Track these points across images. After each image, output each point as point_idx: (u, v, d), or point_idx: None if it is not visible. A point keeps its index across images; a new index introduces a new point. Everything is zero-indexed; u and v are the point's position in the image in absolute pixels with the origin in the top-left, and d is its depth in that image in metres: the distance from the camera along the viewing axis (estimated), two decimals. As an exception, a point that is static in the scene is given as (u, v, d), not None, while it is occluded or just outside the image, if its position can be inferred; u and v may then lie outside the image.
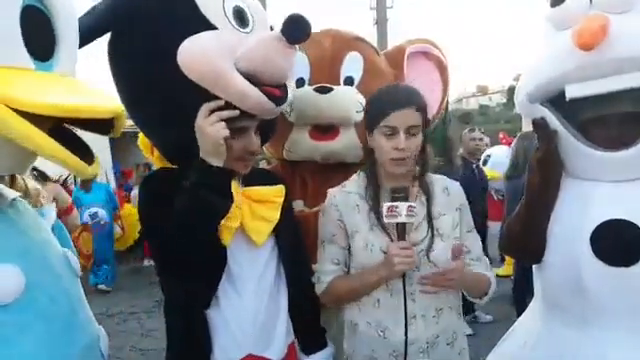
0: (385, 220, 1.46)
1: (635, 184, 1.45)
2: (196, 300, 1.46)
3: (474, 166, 4.92)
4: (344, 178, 1.91)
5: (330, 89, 1.88)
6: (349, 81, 1.97)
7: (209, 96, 1.40)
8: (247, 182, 1.56)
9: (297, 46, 1.49)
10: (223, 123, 1.36)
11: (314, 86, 1.91)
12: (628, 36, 1.34)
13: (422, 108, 1.50)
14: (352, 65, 1.98)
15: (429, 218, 1.53)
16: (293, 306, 1.58)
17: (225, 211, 1.39)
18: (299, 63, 2.00)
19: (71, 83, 1.08)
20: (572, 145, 1.49)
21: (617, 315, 1.46)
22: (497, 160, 5.99)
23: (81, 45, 1.30)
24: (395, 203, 1.43)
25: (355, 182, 1.61)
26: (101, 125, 1.05)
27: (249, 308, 1.48)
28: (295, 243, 1.63)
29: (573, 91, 1.44)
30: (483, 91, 57.19)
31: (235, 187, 1.46)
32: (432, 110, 2.13)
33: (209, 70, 1.39)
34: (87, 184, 6.65)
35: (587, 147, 1.46)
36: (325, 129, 1.95)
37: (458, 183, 1.64)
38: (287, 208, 1.63)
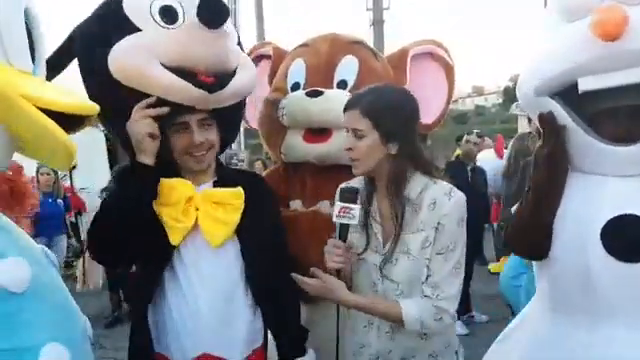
0: (334, 219, 1.48)
1: None
2: (140, 295, 1.56)
3: (469, 168, 4.90)
4: (342, 179, 1.93)
5: (320, 93, 1.89)
6: (342, 84, 1.99)
7: (140, 96, 1.48)
8: (221, 183, 1.59)
9: (225, 29, 1.47)
10: (150, 120, 1.45)
11: (305, 90, 1.93)
12: None
13: (372, 115, 1.45)
14: (346, 69, 2.01)
15: (396, 233, 1.48)
16: (263, 313, 1.60)
17: (147, 214, 1.48)
18: (297, 69, 2.08)
19: (54, 86, 1.24)
20: (582, 139, 1.45)
21: (628, 313, 1.43)
22: (483, 164, 5.98)
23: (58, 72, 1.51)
24: (350, 205, 1.46)
25: (359, 180, 1.61)
26: (75, 123, 1.17)
27: (202, 307, 1.50)
28: (265, 246, 1.60)
29: (587, 83, 1.39)
30: (479, 92, 57.21)
31: (191, 187, 1.54)
32: (435, 111, 2.16)
33: (132, 70, 1.46)
34: None
35: (598, 141, 1.42)
36: (318, 132, 1.96)
37: (458, 197, 1.47)
38: (264, 210, 1.64)
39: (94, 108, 1.15)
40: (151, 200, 1.49)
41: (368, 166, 1.49)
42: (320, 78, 1.99)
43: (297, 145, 2.01)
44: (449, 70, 2.20)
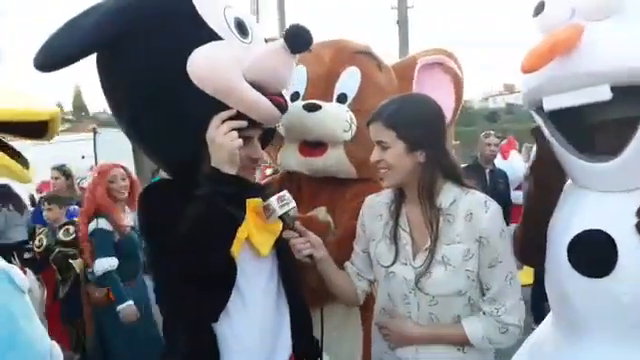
0: (278, 214, 1.48)
1: (623, 195, 1.40)
2: (205, 314, 1.44)
3: (487, 171, 4.76)
4: (338, 188, 1.97)
5: (318, 107, 1.88)
6: (342, 98, 1.98)
7: (218, 107, 1.41)
8: (267, 190, 1.61)
9: (297, 56, 1.52)
10: (236, 132, 1.39)
11: (303, 102, 1.93)
12: (602, 48, 1.29)
13: (394, 126, 1.46)
14: (348, 81, 1.99)
15: (431, 243, 1.46)
16: (293, 319, 1.58)
17: (239, 222, 1.40)
18: (297, 76, 2.04)
19: (5, 90, 1.13)
20: (562, 154, 1.47)
21: (602, 326, 1.43)
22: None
23: (76, 61, 1.35)
24: (278, 194, 1.47)
25: (387, 192, 1.62)
26: (35, 130, 1.10)
27: (256, 321, 1.48)
28: (292, 254, 1.61)
29: (549, 103, 1.42)
30: (510, 90, 56.08)
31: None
32: None
33: (223, 81, 1.40)
34: None
35: (573, 156, 1.44)
36: (313, 145, 1.97)
37: (495, 209, 1.45)
38: None
39: (49, 112, 1.07)
40: (244, 213, 1.43)
41: (398, 177, 1.49)
42: (320, 90, 1.99)
43: (292, 157, 2.02)
44: (457, 82, 2.18)
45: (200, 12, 1.43)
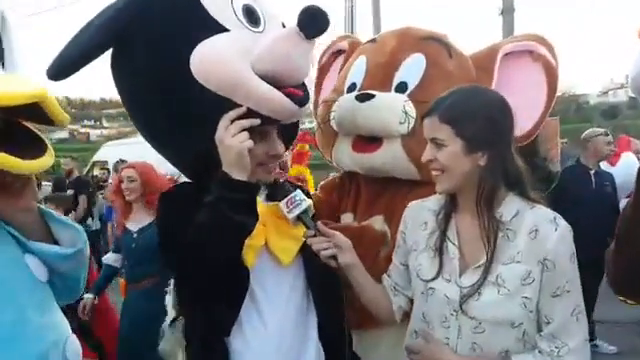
0: (290, 219, 1.36)
1: None
2: (216, 326, 1.36)
3: (592, 173, 4.20)
4: (400, 193, 1.74)
5: (370, 96, 1.69)
6: (402, 87, 1.77)
7: (228, 104, 1.31)
8: (271, 196, 1.45)
9: (314, 42, 1.36)
10: (246, 133, 1.28)
11: (356, 93, 1.75)
12: None
13: (451, 121, 1.27)
14: (410, 69, 1.78)
15: (487, 260, 1.27)
16: (322, 334, 1.46)
17: (250, 229, 1.29)
18: (357, 68, 1.92)
19: None
20: None
21: None
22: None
23: (80, 66, 1.30)
24: (288, 196, 1.35)
25: (437, 198, 1.45)
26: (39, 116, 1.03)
27: (273, 335, 1.37)
28: (324, 263, 1.46)
29: None
30: (634, 82, 51.10)
31: (259, 201, 1.38)
32: (527, 122, 1.82)
33: (227, 76, 1.29)
34: None
35: None
36: (368, 140, 1.78)
37: (565, 228, 1.25)
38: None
39: (27, 95, 0.98)
40: (256, 220, 1.31)
41: (454, 180, 1.31)
42: (378, 79, 1.79)
43: (345, 153, 1.86)
44: (550, 72, 1.85)
45: (205, 5, 1.34)
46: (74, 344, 1.22)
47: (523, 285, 1.24)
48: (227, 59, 1.29)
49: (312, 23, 1.29)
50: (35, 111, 1.01)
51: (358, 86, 1.83)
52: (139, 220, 3.16)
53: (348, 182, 1.98)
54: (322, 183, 2.18)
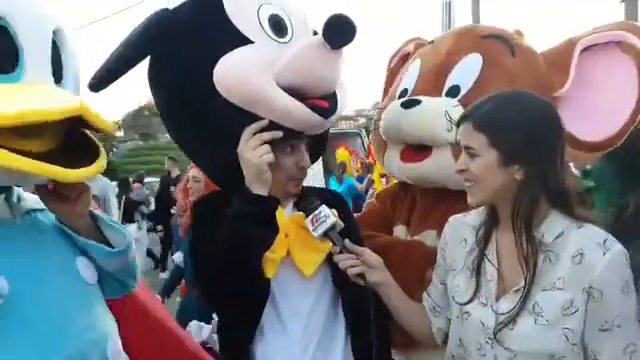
0: (316, 237, 1.31)
1: None
2: (239, 334, 1.38)
3: None
4: (452, 209, 1.60)
5: (416, 103, 1.59)
6: (453, 91, 1.63)
7: (251, 117, 1.30)
8: (298, 206, 1.42)
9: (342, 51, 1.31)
10: (267, 147, 1.28)
11: (402, 99, 1.65)
12: None
13: (486, 129, 1.17)
14: (464, 71, 1.64)
15: (525, 285, 1.15)
16: (354, 343, 1.43)
17: (268, 243, 1.30)
18: (411, 72, 1.82)
19: (31, 90, 1.10)
20: None
21: None
22: None
23: (113, 78, 1.34)
24: (313, 212, 1.31)
25: (477, 213, 1.34)
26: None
27: (295, 348, 1.36)
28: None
29: None
30: None
31: (281, 213, 1.36)
32: (611, 125, 1.61)
33: (249, 90, 1.29)
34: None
35: None
36: (416, 149, 1.66)
37: (617, 251, 1.11)
38: (352, 231, 1.44)
39: (60, 111, 1.02)
40: (277, 232, 1.32)
41: (484, 194, 1.21)
42: (430, 84, 1.67)
43: (393, 162, 1.76)
44: None
45: (230, 16, 1.33)
46: (116, 345, 1.27)
47: (565, 315, 1.11)
48: (248, 73, 1.28)
49: (337, 33, 1.25)
50: (86, 121, 1.09)
51: (409, 91, 1.73)
52: None
53: (404, 192, 1.87)
54: (380, 190, 2.08)
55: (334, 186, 8.75)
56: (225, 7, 1.34)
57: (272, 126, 1.30)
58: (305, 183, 1.48)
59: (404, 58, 2.13)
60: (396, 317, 1.40)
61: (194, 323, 2.22)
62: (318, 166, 8.88)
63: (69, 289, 1.20)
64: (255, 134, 1.29)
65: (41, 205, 1.25)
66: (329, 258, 1.38)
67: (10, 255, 1.12)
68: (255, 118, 1.30)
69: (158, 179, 8.61)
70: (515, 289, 1.17)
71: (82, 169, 1.10)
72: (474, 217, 1.32)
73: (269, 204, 1.29)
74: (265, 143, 1.28)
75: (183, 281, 3.66)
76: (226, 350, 1.45)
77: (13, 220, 1.18)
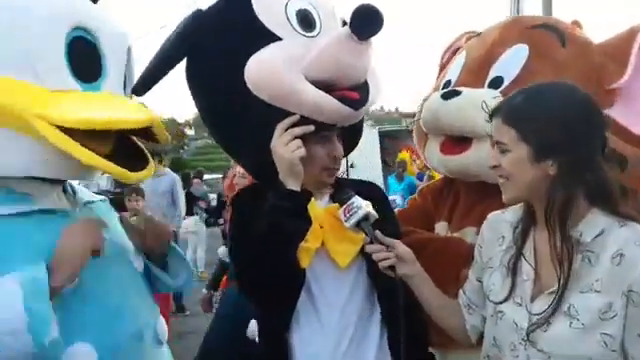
0: (348, 227, 1.31)
1: None
2: (274, 323, 1.41)
3: None
4: (493, 206, 1.55)
5: (456, 93, 1.57)
6: (497, 82, 1.59)
7: (282, 112, 1.33)
8: (338, 197, 1.41)
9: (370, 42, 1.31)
10: (298, 141, 1.30)
11: (443, 90, 1.62)
12: None
13: (516, 124, 1.14)
14: (509, 62, 1.59)
15: (560, 286, 1.10)
16: (390, 336, 1.42)
17: (301, 236, 1.32)
18: (456, 64, 1.80)
19: (111, 99, 1.23)
20: None
21: None
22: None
23: (160, 76, 1.41)
24: (346, 203, 1.30)
25: (515, 209, 1.30)
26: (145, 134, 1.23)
27: (330, 338, 1.37)
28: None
29: None
30: None
31: (315, 205, 1.38)
32: None
33: (278, 87, 1.32)
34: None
35: None
36: (457, 141, 1.63)
37: None
38: (388, 223, 1.43)
39: (137, 121, 1.15)
40: (310, 225, 1.34)
41: (517, 190, 1.18)
42: (473, 75, 1.64)
43: (433, 154, 1.74)
44: None
45: (258, 15, 1.36)
46: (163, 326, 1.41)
47: (602, 320, 1.05)
48: (277, 71, 1.31)
49: (364, 25, 1.26)
50: (144, 131, 1.21)
51: (452, 83, 1.70)
52: None
53: (447, 187, 1.84)
54: (423, 185, 2.05)
55: (394, 185, 8.69)
56: (253, 5, 1.37)
57: (303, 121, 1.32)
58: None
59: (455, 52, 2.09)
60: (428, 311, 1.38)
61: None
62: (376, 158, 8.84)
63: (126, 273, 1.33)
64: (287, 129, 1.31)
65: (94, 197, 1.40)
66: (364, 251, 1.37)
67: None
68: (286, 114, 1.33)
69: (221, 175, 9.02)
70: (550, 291, 1.13)
71: (140, 172, 1.23)
72: (512, 214, 1.29)
73: (301, 198, 1.32)
74: (296, 138, 1.31)
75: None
76: (264, 337, 1.48)
77: (74, 210, 1.29)
